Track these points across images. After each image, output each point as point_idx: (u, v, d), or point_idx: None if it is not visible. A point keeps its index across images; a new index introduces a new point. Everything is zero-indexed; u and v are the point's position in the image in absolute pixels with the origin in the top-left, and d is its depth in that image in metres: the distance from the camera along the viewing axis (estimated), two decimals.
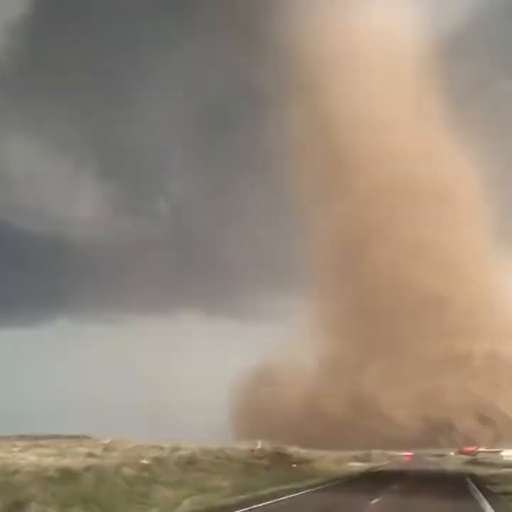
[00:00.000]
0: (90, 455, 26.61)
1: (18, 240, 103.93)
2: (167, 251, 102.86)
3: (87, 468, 21.98)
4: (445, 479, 44.31)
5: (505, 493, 28.60)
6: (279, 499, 24.86)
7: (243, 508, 21.53)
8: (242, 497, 24.79)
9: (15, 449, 28.55)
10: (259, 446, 46.91)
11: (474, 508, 23.55)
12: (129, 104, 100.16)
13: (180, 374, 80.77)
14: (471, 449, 71.44)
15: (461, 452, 75.80)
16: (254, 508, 21.63)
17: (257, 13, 79.80)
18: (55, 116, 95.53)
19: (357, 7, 78.84)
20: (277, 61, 79.70)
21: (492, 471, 50.81)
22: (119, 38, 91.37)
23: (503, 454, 64.31)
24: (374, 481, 41.00)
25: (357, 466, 62.23)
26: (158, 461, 28.18)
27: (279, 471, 39.23)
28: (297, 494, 27.79)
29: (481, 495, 28.51)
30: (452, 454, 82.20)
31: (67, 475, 20.55)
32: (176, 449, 33.44)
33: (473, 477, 43.93)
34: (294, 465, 46.14)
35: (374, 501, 24.62)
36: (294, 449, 52.31)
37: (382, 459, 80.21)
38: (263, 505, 22.47)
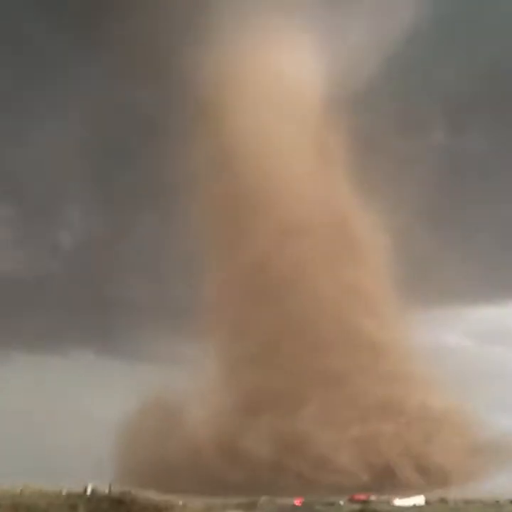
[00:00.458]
0: None
1: None
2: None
3: None
4: None
5: None
6: None
7: None
8: None
9: None
10: (89, 490, 41.06)
11: None
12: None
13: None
14: (363, 497, 70.29)
15: (352, 500, 74.44)
16: None
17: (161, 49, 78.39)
18: None
19: (265, 56, 79.86)
20: (182, 98, 78.19)
21: None
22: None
23: (396, 502, 63.58)
24: None
25: None
26: None
27: None
28: None
29: None
30: (342, 502, 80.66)
31: None
32: None
33: None
34: None
35: None
36: (149, 494, 46.63)
37: (270, 508, 76.61)
38: None
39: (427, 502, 63.08)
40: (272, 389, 60.57)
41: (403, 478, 58.27)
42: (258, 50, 77.22)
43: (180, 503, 50.61)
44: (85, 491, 40.41)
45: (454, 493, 62.38)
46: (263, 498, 73.75)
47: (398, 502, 63.43)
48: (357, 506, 73.77)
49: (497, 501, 61.04)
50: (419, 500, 62.73)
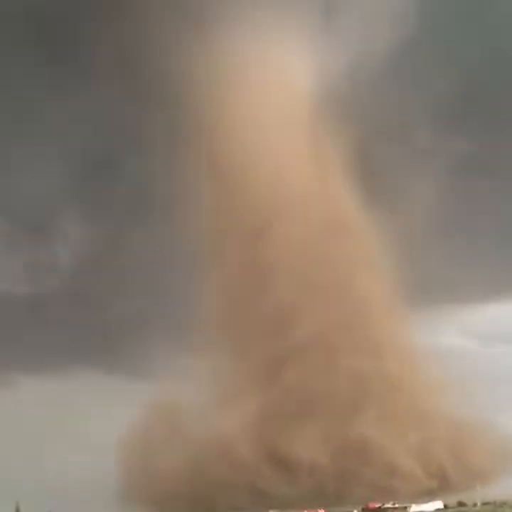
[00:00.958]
0: None
1: None
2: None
3: None
4: None
5: None
6: None
7: None
8: None
9: None
10: None
11: None
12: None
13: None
14: (377, 504, 69.16)
15: (366, 509, 73.25)
16: None
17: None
18: None
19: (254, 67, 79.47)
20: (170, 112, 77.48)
21: None
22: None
23: (412, 508, 62.42)
24: None
25: None
26: None
27: None
28: None
29: None
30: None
31: None
32: None
33: None
34: None
35: None
36: None
37: None
38: None
39: (445, 506, 62.15)
40: (320, 391, 59.27)
41: (456, 483, 58.17)
42: (250, 57, 76.73)
43: None
44: None
45: (474, 496, 61.52)
46: None
47: (415, 508, 62.28)
48: None
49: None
50: (437, 504, 61.67)
